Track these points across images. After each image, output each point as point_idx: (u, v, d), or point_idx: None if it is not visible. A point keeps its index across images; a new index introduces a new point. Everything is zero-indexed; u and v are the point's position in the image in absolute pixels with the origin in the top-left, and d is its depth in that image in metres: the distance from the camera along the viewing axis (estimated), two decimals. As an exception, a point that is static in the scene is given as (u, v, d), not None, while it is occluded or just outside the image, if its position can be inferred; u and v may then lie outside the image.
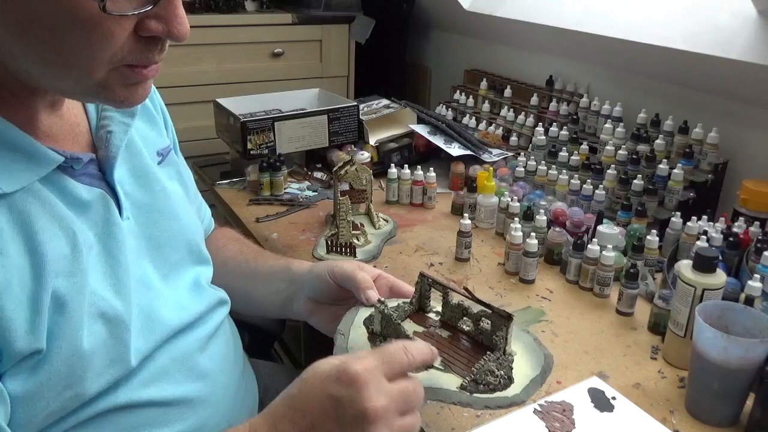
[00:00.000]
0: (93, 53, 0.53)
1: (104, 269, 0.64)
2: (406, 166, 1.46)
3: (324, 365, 0.59)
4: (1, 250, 0.55)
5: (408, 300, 0.85)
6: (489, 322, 0.79)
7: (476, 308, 0.80)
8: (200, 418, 0.72)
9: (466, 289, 0.80)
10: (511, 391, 0.77)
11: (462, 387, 0.75)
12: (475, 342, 0.81)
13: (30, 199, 0.58)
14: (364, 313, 0.81)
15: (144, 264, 0.70)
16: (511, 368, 0.79)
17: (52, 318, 0.57)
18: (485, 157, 1.59)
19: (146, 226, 0.72)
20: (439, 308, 0.85)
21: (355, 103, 1.67)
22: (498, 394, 0.76)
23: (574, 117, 1.67)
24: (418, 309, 0.86)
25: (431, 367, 0.74)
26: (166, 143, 0.81)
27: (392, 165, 1.48)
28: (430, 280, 0.84)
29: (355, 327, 0.80)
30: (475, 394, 0.74)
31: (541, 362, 0.83)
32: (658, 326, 0.97)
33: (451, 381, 0.75)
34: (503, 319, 0.77)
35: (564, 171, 1.39)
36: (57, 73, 0.55)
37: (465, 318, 0.83)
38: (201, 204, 0.97)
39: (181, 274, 0.76)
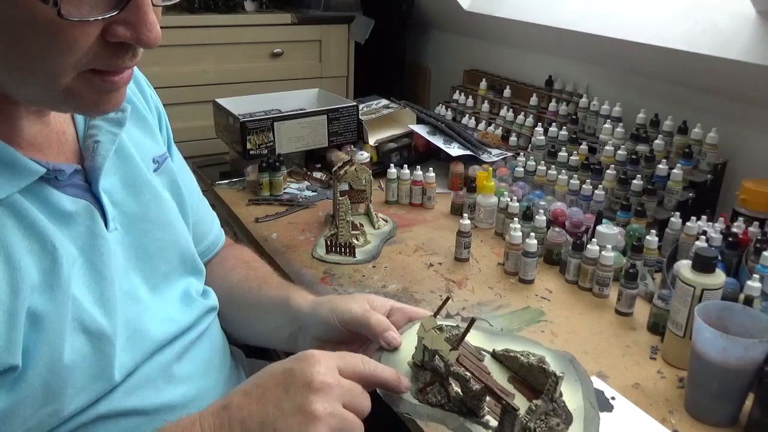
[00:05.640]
0: (55, 59, 0.51)
1: (88, 283, 0.62)
2: (405, 166, 1.46)
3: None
4: None
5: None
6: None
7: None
8: None
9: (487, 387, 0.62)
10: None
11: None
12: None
13: (7, 211, 0.57)
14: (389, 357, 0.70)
15: (132, 276, 0.69)
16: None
17: (29, 334, 0.56)
18: (485, 157, 1.59)
19: (136, 237, 0.70)
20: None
21: (355, 103, 1.67)
22: None
23: (574, 117, 1.67)
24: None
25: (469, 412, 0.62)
26: (161, 150, 0.79)
27: (392, 165, 1.48)
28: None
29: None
30: None
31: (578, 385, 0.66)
32: (657, 326, 0.97)
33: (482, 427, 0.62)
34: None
35: (563, 171, 1.38)
36: (22, 79, 0.53)
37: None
38: (203, 217, 0.92)
39: (171, 285, 0.75)
